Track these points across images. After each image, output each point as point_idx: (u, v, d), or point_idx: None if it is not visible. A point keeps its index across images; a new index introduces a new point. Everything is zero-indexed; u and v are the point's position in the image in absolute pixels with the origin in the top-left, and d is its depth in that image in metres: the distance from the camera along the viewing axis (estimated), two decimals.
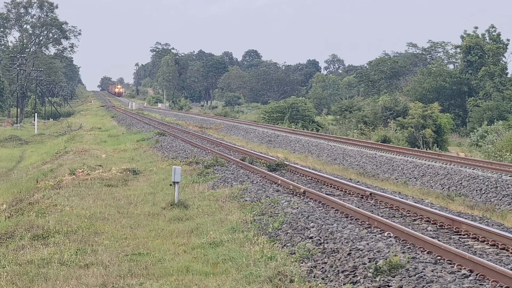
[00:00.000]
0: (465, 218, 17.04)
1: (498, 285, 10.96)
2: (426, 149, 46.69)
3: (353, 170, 33.78)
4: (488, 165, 30.38)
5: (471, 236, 15.12)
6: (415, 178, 29.93)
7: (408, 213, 17.96)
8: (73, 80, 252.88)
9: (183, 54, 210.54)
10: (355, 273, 12.11)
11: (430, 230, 15.96)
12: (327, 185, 23.30)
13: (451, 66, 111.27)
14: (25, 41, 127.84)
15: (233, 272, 13.09)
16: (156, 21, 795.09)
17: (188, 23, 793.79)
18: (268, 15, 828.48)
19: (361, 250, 13.11)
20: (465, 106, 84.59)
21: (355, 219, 16.59)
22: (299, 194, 20.60)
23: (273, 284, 12.11)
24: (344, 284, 11.79)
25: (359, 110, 70.88)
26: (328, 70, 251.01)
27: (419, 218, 17.31)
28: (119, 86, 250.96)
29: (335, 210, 17.91)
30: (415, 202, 19.45)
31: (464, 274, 11.48)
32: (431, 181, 28.78)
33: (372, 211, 18.09)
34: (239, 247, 14.85)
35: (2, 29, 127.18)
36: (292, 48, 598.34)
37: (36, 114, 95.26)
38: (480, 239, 14.74)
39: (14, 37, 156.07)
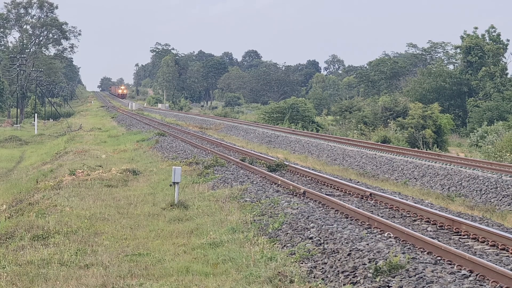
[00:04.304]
0: (465, 219, 17.05)
1: (498, 285, 10.97)
2: (426, 150, 46.69)
3: (353, 171, 33.78)
4: (488, 165, 30.38)
5: (471, 236, 15.13)
6: (415, 178, 29.93)
7: (408, 214, 17.96)
8: (73, 81, 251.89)
9: (183, 55, 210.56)
10: (355, 273, 12.11)
11: (430, 231, 15.97)
12: (327, 186, 23.31)
13: (451, 67, 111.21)
14: (25, 41, 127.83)
15: (233, 273, 13.10)
16: (156, 22, 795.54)
17: (188, 23, 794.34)
18: (268, 16, 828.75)
19: (361, 251, 13.11)
20: (465, 107, 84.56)
21: (355, 220, 16.60)
22: (299, 194, 20.60)
23: (273, 284, 12.12)
24: (344, 285, 11.79)
25: (359, 110, 70.79)
26: (328, 70, 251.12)
27: (419, 219, 17.32)
28: (122, 87, 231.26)
29: (335, 211, 17.92)
30: (415, 203, 19.45)
31: (464, 274, 11.49)
32: (431, 182, 28.78)
33: (372, 211, 18.10)
34: (239, 247, 14.86)
35: (2, 30, 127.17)
36: (292, 48, 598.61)
37: (36, 114, 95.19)
38: (480, 240, 14.75)
39: (14, 38, 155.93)
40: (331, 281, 12.12)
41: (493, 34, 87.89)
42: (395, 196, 20.86)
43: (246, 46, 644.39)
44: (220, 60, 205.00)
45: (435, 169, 29.99)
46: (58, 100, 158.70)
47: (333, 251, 13.58)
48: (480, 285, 11.01)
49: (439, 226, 16.34)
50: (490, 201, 24.52)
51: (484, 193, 25.39)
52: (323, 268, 12.90)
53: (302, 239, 14.91)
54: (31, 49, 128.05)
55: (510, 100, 75.70)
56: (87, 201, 21.51)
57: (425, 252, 13.10)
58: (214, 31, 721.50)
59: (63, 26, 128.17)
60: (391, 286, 11.19)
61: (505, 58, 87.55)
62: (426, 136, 53.27)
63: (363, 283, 11.58)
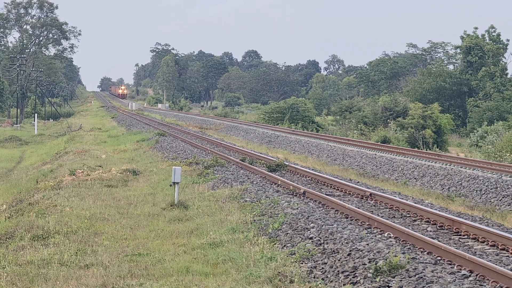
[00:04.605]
0: (465, 219, 17.05)
1: (498, 285, 10.97)
2: (426, 150, 46.68)
3: (353, 171, 33.78)
4: (488, 165, 30.38)
5: (471, 236, 15.13)
6: (415, 178, 29.93)
7: (408, 214, 17.96)
8: (73, 81, 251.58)
9: (183, 55, 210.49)
10: (355, 273, 12.11)
11: (430, 231, 15.97)
12: (327, 186, 23.30)
13: (451, 67, 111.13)
14: (25, 41, 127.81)
15: (233, 273, 13.10)
16: (156, 22, 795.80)
17: (188, 23, 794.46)
18: (268, 16, 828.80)
19: (361, 251, 13.11)
20: (465, 107, 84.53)
21: (355, 220, 16.60)
22: (299, 194, 20.60)
23: (273, 284, 12.11)
24: (344, 285, 11.79)
25: (359, 110, 70.78)
26: (328, 70, 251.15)
27: (419, 219, 17.32)
28: (123, 87, 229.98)
29: (335, 211, 17.92)
30: (415, 203, 19.45)
31: (464, 274, 11.49)
32: (431, 182, 28.78)
33: (372, 211, 18.10)
34: (239, 247, 14.86)
35: (2, 30, 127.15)
36: (292, 48, 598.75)
37: (36, 114, 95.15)
38: (480, 240, 14.75)
39: (14, 38, 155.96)
40: (331, 281, 12.12)
41: (493, 34, 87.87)
42: (395, 196, 20.85)
43: (246, 46, 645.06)
44: (220, 60, 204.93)
45: (435, 169, 29.99)
46: (58, 100, 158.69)
47: (333, 251, 13.58)
48: (480, 285, 11.01)
49: (439, 226, 16.34)
50: (490, 201, 24.52)
51: (484, 193, 25.39)
52: (323, 268, 12.90)
53: (302, 239, 14.91)
54: (31, 49, 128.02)
55: (510, 100, 75.67)
56: (87, 201, 21.51)
57: (425, 252, 13.10)
58: (214, 31, 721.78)
59: (63, 26, 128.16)
60: (391, 286, 11.19)
61: (505, 58, 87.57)
62: (426, 136, 53.26)
63: (363, 283, 11.58)
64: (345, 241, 13.98)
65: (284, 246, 14.77)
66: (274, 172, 26.73)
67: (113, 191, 24.20)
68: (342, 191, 22.10)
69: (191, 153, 34.93)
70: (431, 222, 16.78)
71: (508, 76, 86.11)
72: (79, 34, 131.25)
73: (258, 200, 19.79)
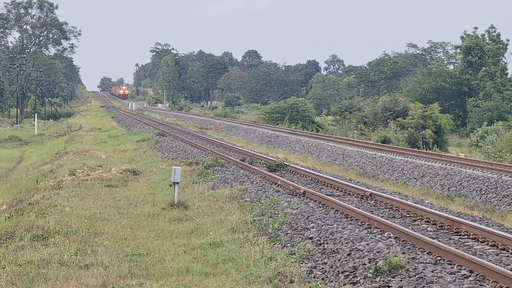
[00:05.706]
0: (465, 219, 17.05)
1: (498, 285, 10.97)
2: (426, 150, 46.68)
3: (353, 171, 33.78)
4: (488, 165, 30.38)
5: (471, 236, 15.14)
6: (415, 178, 29.93)
7: (408, 214, 17.97)
8: (73, 81, 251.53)
9: (183, 55, 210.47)
10: (355, 273, 12.11)
11: (430, 231, 15.97)
12: (327, 186, 23.31)
13: (451, 67, 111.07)
14: (25, 41, 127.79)
15: (233, 273, 13.10)
16: (156, 22, 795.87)
17: (188, 23, 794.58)
18: (269, 16, 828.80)
19: (361, 251, 13.11)
20: (465, 107, 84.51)
21: (355, 220, 16.60)
22: (299, 194, 20.61)
23: (273, 284, 12.12)
24: (344, 285, 11.79)
25: (359, 110, 70.77)
26: (328, 70, 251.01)
27: (419, 219, 17.32)
28: (124, 87, 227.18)
29: (335, 211, 17.92)
30: (415, 203, 19.45)
31: (464, 274, 11.49)
32: (431, 182, 28.78)
33: (372, 211, 18.11)
34: (239, 247, 14.86)
35: (2, 30, 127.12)
36: (292, 48, 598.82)
37: (36, 114, 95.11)
38: (480, 240, 14.75)
39: (14, 38, 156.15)
40: (331, 281, 12.12)
41: (493, 34, 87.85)
42: (395, 196, 20.86)
43: (246, 46, 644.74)
44: (220, 60, 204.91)
45: (435, 169, 29.99)
46: (58, 100, 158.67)
47: (333, 251, 13.58)
48: (480, 285, 11.01)
49: (439, 226, 16.34)
50: (490, 201, 24.52)
51: (484, 193, 25.39)
52: (323, 268, 12.90)
53: (302, 239, 14.91)
54: (31, 49, 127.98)
55: (510, 100, 75.67)
56: (87, 201, 21.51)
57: (425, 252, 13.10)
58: (214, 31, 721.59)
59: (63, 26, 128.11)
60: (391, 286, 11.19)
61: (505, 58, 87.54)
62: (426, 136, 53.25)
63: (363, 283, 11.58)
64: (345, 241, 13.98)
65: (284, 246, 14.77)
66: (274, 172, 26.73)
67: (113, 191, 24.20)
68: (342, 191, 22.11)
69: (191, 153, 34.94)
70: (431, 222, 16.78)
71: (508, 76, 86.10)
72: (79, 34, 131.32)
73: (258, 200, 19.80)
